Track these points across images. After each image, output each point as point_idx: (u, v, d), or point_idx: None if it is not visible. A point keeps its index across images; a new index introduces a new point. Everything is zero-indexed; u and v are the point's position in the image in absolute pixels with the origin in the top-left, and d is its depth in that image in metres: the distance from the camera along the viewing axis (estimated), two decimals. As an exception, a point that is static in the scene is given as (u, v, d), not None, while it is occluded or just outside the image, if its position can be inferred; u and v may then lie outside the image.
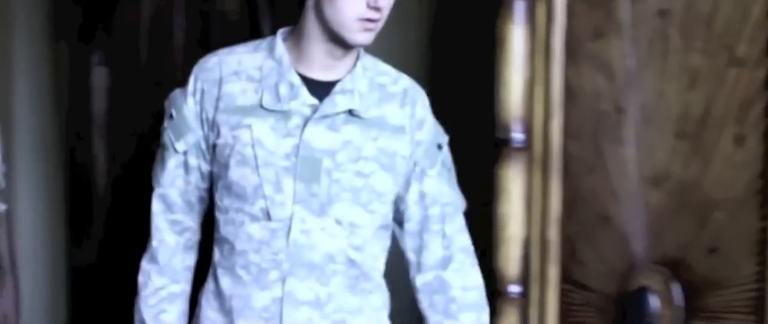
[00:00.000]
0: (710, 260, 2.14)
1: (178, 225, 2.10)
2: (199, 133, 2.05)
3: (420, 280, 2.12)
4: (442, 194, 2.11)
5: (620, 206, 2.27)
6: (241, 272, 2.03)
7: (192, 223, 2.11)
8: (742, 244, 2.09)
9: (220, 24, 3.11)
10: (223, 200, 2.04)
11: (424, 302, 2.13)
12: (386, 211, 2.08)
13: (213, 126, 2.03)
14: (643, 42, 2.22)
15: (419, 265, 2.12)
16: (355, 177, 2.01)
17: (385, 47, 2.15)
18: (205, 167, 2.07)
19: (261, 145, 1.98)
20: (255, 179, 1.99)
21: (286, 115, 1.98)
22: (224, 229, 2.05)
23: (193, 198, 2.09)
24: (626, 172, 2.25)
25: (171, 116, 2.06)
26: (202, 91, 2.03)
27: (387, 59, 2.11)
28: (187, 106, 2.05)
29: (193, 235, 2.12)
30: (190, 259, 2.12)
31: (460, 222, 2.14)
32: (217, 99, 2.02)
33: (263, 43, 2.06)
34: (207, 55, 2.09)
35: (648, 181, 2.23)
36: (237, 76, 2.02)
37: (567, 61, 2.34)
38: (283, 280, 2.01)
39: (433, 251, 2.11)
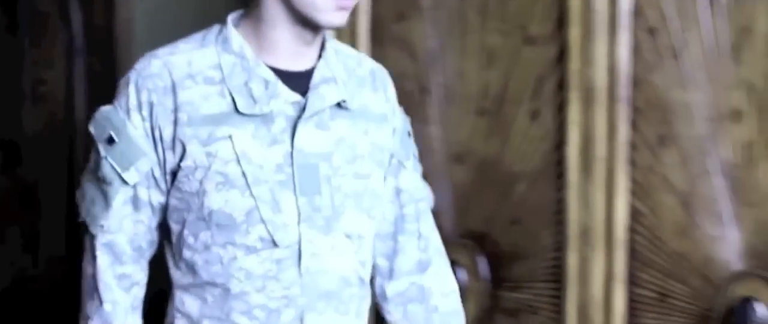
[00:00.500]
0: (513, 232, 2.23)
1: (126, 280, 1.70)
2: (153, 157, 1.67)
3: (391, 289, 1.84)
4: (416, 189, 1.86)
5: (427, 184, 2.33)
6: (241, 319, 1.67)
7: (141, 275, 1.72)
8: (541, 214, 2.18)
9: (27, 11, 3.04)
10: (198, 236, 1.67)
11: (396, 314, 1.85)
12: (381, 215, 1.81)
13: (173, 145, 1.65)
14: (443, 23, 2.28)
15: (391, 271, 1.84)
16: (355, 180, 1.71)
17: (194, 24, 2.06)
18: (158, 200, 1.69)
19: (247, 159, 1.63)
20: (247, 202, 1.64)
21: (266, 118, 1.65)
22: (208, 270, 1.67)
23: (144, 242, 1.71)
24: (432, 150, 2.32)
25: (111, 140, 1.66)
26: (151, 104, 1.65)
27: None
28: (132, 124, 1.66)
29: (140, 292, 1.73)
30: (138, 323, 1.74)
31: (432, 219, 1.89)
32: (174, 110, 1.64)
33: (210, 35, 1.70)
34: (143, 59, 1.70)
35: (452, 158, 2.30)
36: (192, 79, 1.65)
37: (373, 44, 2.39)
38: (301, 319, 1.68)
39: (409, 255, 1.84)
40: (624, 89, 2.06)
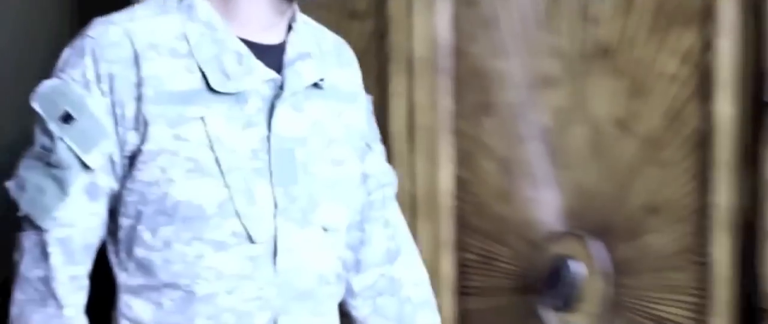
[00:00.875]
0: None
1: (76, 282, 1.48)
2: (114, 137, 1.46)
3: (359, 283, 1.71)
4: (382, 173, 1.73)
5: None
6: None
7: (87, 279, 1.51)
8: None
9: None
10: (157, 232, 1.47)
11: (364, 309, 1.72)
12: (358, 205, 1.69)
13: (136, 124, 1.44)
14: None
15: (358, 263, 1.71)
16: (331, 167, 1.56)
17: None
18: (113, 189, 1.48)
19: (221, 144, 1.45)
20: (220, 193, 1.45)
21: (239, 97, 1.47)
22: (167, 270, 1.47)
23: (95, 239, 1.50)
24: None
25: (67, 118, 1.44)
26: (111, 77, 1.44)
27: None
28: (92, 99, 1.44)
29: (85, 298, 1.51)
30: None
31: (397, 205, 1.78)
32: (138, 85, 1.44)
33: (171, 2, 1.50)
34: (97, 24, 1.47)
35: (285, 134, 2.32)
36: (156, 50, 1.45)
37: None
38: (275, 322, 1.52)
39: (377, 245, 1.71)
40: (444, 60, 2.11)
